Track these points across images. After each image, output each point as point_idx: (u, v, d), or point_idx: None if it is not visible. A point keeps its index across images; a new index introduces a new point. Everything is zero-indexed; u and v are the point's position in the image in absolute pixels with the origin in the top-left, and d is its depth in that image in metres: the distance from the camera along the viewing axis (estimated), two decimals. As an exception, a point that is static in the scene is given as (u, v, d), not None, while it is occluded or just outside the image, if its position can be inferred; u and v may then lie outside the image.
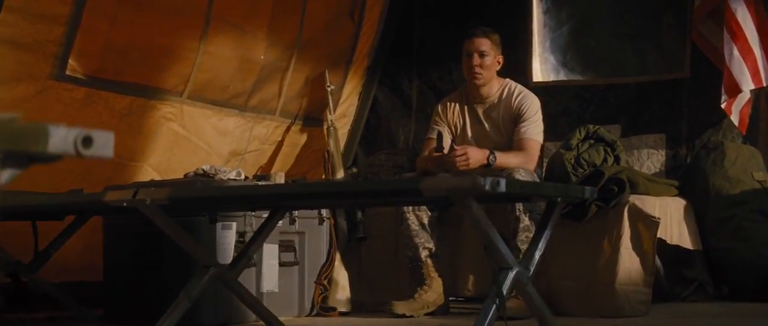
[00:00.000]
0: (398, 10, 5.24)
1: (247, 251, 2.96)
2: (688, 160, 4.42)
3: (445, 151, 3.86)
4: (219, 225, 3.57)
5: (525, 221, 3.72)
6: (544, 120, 4.72)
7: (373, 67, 5.24)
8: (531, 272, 2.38)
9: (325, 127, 4.57)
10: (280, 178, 4.04)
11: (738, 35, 4.18)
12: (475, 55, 4.02)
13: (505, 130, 4.06)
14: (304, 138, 4.74)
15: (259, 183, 3.87)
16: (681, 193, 4.11)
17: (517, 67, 4.85)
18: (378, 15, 5.11)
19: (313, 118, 4.70)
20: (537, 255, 2.42)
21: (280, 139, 4.62)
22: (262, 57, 4.20)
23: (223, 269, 2.86)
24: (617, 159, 3.99)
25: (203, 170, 3.80)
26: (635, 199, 3.68)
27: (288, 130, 4.64)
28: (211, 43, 3.96)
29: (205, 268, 2.80)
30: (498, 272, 2.27)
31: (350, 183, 2.57)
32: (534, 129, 4.01)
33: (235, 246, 3.66)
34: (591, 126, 4.04)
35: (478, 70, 4.03)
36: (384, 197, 2.55)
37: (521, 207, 3.72)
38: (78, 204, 3.26)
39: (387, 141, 5.26)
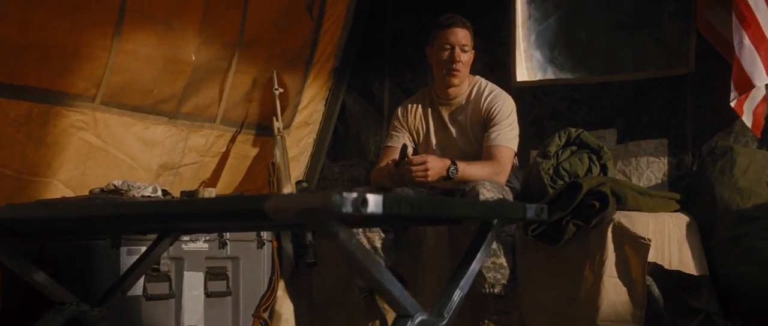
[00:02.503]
0: (367, 6, 4.67)
1: (121, 285, 2.40)
2: (695, 168, 3.78)
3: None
4: (123, 250, 3.02)
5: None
6: (529, 125, 4.17)
7: (341, 70, 4.68)
8: (445, 320, 1.78)
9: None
10: (211, 196, 3.48)
11: (749, 21, 3.54)
12: (457, 49, 3.45)
13: (474, 136, 3.49)
14: (255, 149, 4.17)
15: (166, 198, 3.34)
16: (683, 208, 3.49)
17: (498, 66, 4.29)
18: (344, 10, 4.55)
19: (266, 126, 4.13)
20: (456, 296, 1.82)
21: (224, 150, 4.06)
22: (193, 57, 3.65)
23: (84, 307, 2.30)
24: (604, 168, 3.37)
25: (114, 185, 3.27)
26: (622, 217, 3.07)
27: (234, 139, 4.08)
28: (128, 41, 3.41)
29: (60, 306, 2.26)
30: (395, 323, 1.68)
31: (163, 204, 1.98)
32: (506, 134, 3.42)
33: (147, 275, 3.11)
34: (572, 129, 3.43)
35: (458, 66, 3.47)
36: (219, 220, 1.98)
37: (486, 227, 3.11)
38: None
39: (357, 151, 4.69)
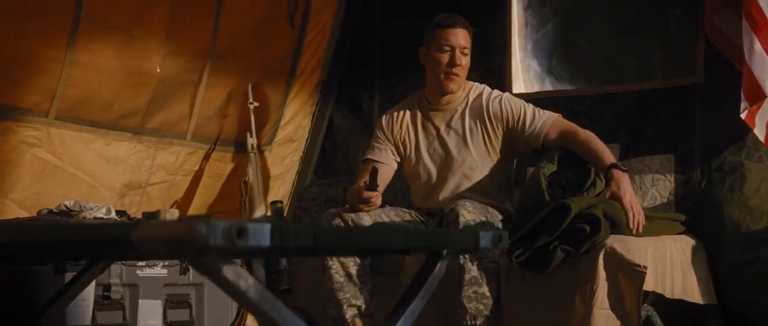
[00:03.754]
0: (355, 13, 4.41)
1: (39, 318, 2.15)
2: (703, 185, 3.46)
3: (378, 189, 2.98)
4: (69, 275, 2.77)
5: (472, 271, 2.84)
6: None
7: (328, 82, 4.42)
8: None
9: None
10: (173, 218, 3.22)
11: (761, 25, 3.23)
12: (457, 52, 3.16)
13: (474, 144, 3.22)
14: (231, 167, 3.91)
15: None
16: (689, 230, 3.17)
17: (492, 76, 4.00)
18: (330, 19, 4.29)
19: (243, 143, 3.87)
20: (388, 342, 1.54)
21: (197, 168, 3.81)
22: (158, 68, 3.40)
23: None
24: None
25: (65, 206, 3.02)
26: (616, 242, 2.76)
27: (208, 157, 3.82)
28: (84, 52, 3.17)
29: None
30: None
31: (33, 230, 1.71)
32: (540, 109, 3.21)
33: (96, 302, 2.86)
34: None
35: (458, 70, 3.19)
36: (83, 250, 1.71)
37: (470, 256, 2.83)
38: None
39: (345, 169, 4.42)
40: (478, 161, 3.22)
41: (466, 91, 3.30)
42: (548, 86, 4.01)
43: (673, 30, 3.72)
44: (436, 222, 2.91)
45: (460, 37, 3.17)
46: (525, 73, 4.07)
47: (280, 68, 4.06)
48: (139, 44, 3.33)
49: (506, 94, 3.29)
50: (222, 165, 3.88)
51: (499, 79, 4.02)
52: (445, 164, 3.25)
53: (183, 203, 3.78)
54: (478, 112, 3.23)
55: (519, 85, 4.05)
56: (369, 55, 4.42)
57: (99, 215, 3.01)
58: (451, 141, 3.25)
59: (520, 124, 3.19)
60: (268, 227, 1.19)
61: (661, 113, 3.67)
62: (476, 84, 3.34)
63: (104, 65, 3.25)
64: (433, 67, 3.23)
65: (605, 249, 2.74)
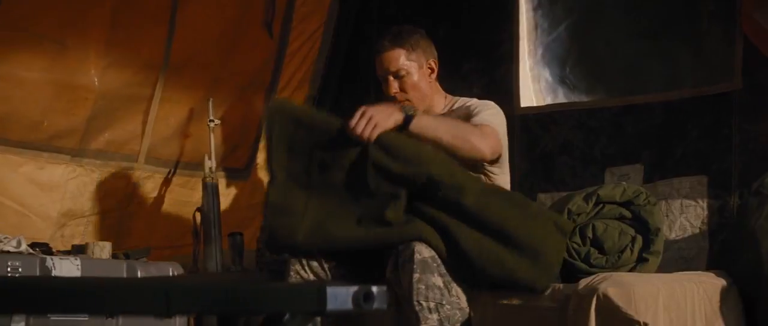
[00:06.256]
0: (350, 21, 3.93)
1: None
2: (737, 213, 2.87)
3: None
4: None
5: (430, 320, 2.31)
6: (536, 161, 3.44)
7: (319, 98, 3.95)
8: None
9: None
10: (103, 252, 2.79)
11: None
12: (390, 79, 2.74)
13: (469, 166, 2.70)
14: (198, 193, 3.46)
15: (66, 258, 2.65)
16: (717, 266, 2.60)
17: (497, 89, 3.51)
18: (319, 27, 3.83)
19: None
20: None
21: (155, 195, 3.37)
22: (95, 81, 2.98)
23: None
24: (648, 247, 2.49)
25: (-26, 240, 2.61)
26: (614, 285, 2.20)
27: (167, 182, 3.39)
28: (4, 63, 2.77)
29: None
30: None
31: None
32: (491, 121, 2.69)
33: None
34: (608, 188, 2.58)
35: (400, 97, 2.83)
36: None
37: (429, 303, 2.33)
38: None
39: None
40: None
41: (447, 107, 2.85)
42: (561, 98, 3.52)
43: (706, 28, 3.24)
44: (391, 262, 2.40)
45: (387, 62, 2.80)
46: (535, 83, 3.55)
47: (256, 82, 3.61)
48: (72, 54, 2.93)
49: (481, 101, 2.78)
50: (186, 191, 3.44)
51: (505, 90, 3.52)
52: None
53: (141, 235, 3.35)
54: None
55: (528, 97, 3.53)
56: (365, 65, 3.94)
57: (8, 248, 2.59)
58: None
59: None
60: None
61: (692, 127, 3.18)
62: (461, 99, 2.86)
63: (29, 78, 2.85)
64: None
65: (597, 296, 2.19)
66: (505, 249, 2.33)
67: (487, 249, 2.35)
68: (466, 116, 2.74)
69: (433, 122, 2.55)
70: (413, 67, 2.79)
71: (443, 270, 2.36)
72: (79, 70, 2.95)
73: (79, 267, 2.64)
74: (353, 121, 2.44)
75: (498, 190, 2.59)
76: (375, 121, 2.43)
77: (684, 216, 3.06)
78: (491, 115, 2.72)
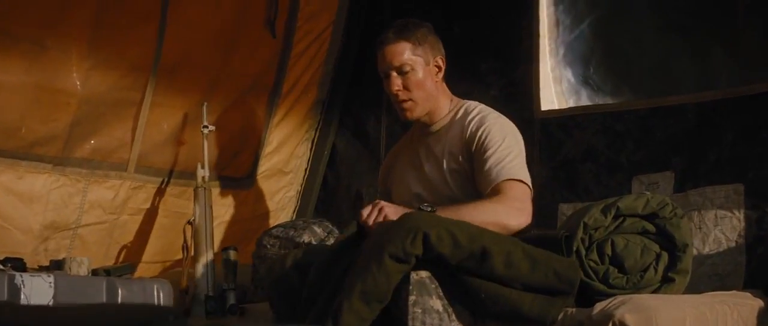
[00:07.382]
0: (360, 20, 3.71)
1: None
2: (776, 226, 2.59)
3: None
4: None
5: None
6: (558, 169, 3.17)
7: (329, 102, 3.74)
8: None
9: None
10: (81, 268, 2.59)
11: None
12: (393, 75, 2.54)
13: (450, 173, 2.48)
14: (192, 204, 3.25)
15: (38, 275, 2.45)
16: (755, 284, 2.34)
17: (516, 91, 3.28)
18: (328, 27, 3.62)
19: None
20: None
21: (148, 206, 3.17)
22: (77, 85, 2.79)
23: None
24: (674, 265, 2.22)
25: (-62, 258, 2.43)
26: (633, 308, 1.94)
27: (161, 192, 3.18)
28: (-27, 65, 2.60)
29: None
30: None
31: None
32: (507, 163, 2.38)
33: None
34: (629, 199, 2.29)
35: (402, 96, 2.55)
36: None
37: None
38: None
39: (348, 204, 3.71)
40: (461, 197, 2.46)
41: (452, 112, 2.59)
42: (585, 100, 3.29)
43: (742, 23, 2.96)
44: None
45: (390, 57, 2.57)
46: (556, 84, 3.31)
47: (258, 85, 3.41)
48: (52, 56, 2.73)
49: (488, 114, 2.51)
50: (182, 202, 3.24)
51: (524, 92, 3.28)
52: (424, 196, 2.53)
53: (133, 248, 3.15)
54: (456, 132, 2.52)
55: (549, 99, 3.29)
56: (376, 69, 3.71)
57: (-24, 265, 2.40)
58: (430, 166, 2.54)
59: (472, 157, 2.46)
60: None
61: (727, 131, 2.90)
62: (469, 103, 2.62)
63: (6, 82, 2.66)
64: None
65: (613, 322, 1.93)
66: (506, 288, 2.09)
67: (492, 293, 2.10)
68: (470, 139, 2.46)
69: (455, 216, 2.20)
70: (419, 62, 2.55)
71: (442, 292, 2.11)
72: (60, 73, 2.75)
73: (52, 284, 2.43)
74: (365, 212, 2.23)
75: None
76: (385, 212, 2.20)
77: (718, 228, 2.77)
78: (507, 151, 2.43)
